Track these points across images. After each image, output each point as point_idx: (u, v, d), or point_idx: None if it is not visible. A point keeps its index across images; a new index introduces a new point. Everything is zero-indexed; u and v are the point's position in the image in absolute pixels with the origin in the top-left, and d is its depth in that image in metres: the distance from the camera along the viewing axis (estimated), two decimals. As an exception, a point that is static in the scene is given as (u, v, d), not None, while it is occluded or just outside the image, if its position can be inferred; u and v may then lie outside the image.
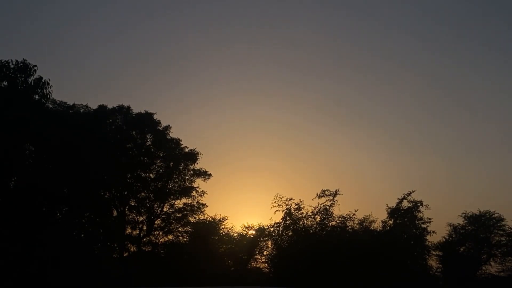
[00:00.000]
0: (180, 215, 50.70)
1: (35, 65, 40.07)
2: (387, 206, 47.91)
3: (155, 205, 50.34)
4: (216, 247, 49.94)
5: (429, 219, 47.54)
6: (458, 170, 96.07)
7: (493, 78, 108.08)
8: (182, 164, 51.03)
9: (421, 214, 47.37)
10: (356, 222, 47.60)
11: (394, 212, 47.60)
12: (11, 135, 37.66)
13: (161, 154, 50.84)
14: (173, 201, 50.79)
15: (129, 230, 49.69)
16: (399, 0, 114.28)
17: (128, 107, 50.52)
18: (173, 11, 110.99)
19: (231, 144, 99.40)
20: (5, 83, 39.72)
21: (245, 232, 50.24)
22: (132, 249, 49.73)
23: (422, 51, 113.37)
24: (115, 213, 49.07)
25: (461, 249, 52.20)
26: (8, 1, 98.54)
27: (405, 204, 47.64)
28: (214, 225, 50.48)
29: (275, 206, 46.22)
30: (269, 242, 48.53)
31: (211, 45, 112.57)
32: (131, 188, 49.80)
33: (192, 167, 51.26)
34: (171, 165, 50.64)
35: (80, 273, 38.10)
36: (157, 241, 50.34)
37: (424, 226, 47.41)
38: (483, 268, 51.23)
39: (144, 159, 50.38)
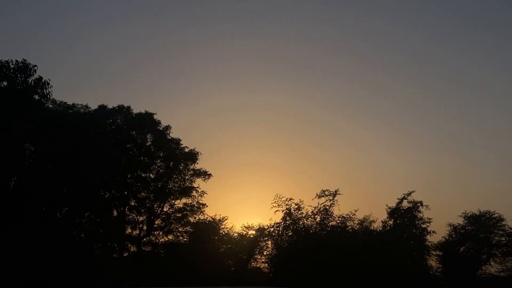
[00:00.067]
0: (180, 215, 50.74)
1: (35, 65, 40.19)
2: (387, 206, 48.00)
3: (155, 205, 50.38)
4: (216, 247, 49.93)
5: (429, 219, 47.65)
6: (458, 170, 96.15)
7: (494, 78, 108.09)
8: (182, 164, 51.09)
9: (421, 214, 47.45)
10: (356, 222, 47.70)
11: (394, 212, 47.61)
12: (11, 135, 37.67)
13: (161, 154, 50.89)
14: (173, 201, 50.89)
15: (129, 230, 49.76)
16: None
17: (128, 107, 50.63)
18: (173, 11, 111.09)
19: (231, 144, 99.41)
20: (5, 83, 39.75)
21: (245, 232, 50.24)
22: (132, 249, 49.78)
23: (422, 50, 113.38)
24: (115, 213, 49.12)
25: (461, 249, 52.19)
26: (8, 1, 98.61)
27: (405, 204, 47.69)
28: (214, 225, 50.47)
29: (275, 206, 46.31)
30: (269, 242, 48.54)
31: (212, 45, 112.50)
32: (131, 188, 49.83)
33: (192, 167, 51.36)
34: (171, 165, 50.69)
35: (80, 273, 38.08)
36: (157, 241, 50.38)
37: (424, 226, 47.47)
38: (483, 268, 51.22)
39: (144, 159, 50.42)
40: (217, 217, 50.79)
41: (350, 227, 47.23)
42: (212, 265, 46.16)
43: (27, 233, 36.74)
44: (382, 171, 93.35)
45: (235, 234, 50.70)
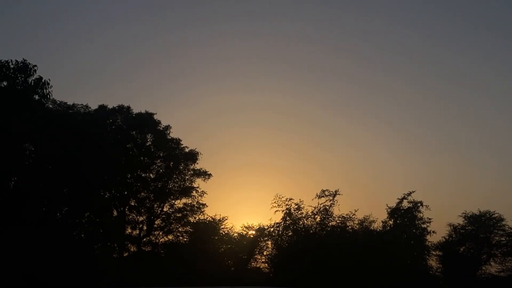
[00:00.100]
0: (180, 215, 50.75)
1: (35, 65, 40.18)
2: (387, 206, 48.02)
3: (155, 205, 50.39)
4: (216, 247, 49.93)
5: (429, 219, 47.67)
6: (458, 170, 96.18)
7: (494, 78, 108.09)
8: (182, 164, 51.09)
9: (421, 214, 47.46)
10: (356, 222, 47.72)
11: (394, 212, 47.62)
12: (11, 135, 37.67)
13: (161, 154, 50.90)
14: (173, 201, 50.90)
15: (129, 230, 49.77)
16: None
17: (128, 107, 50.63)
18: (173, 11, 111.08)
19: (231, 144, 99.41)
20: (5, 83, 39.75)
21: (245, 232, 50.24)
22: (132, 249, 49.79)
23: (422, 50, 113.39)
24: (115, 213, 49.13)
25: (461, 249, 52.19)
26: (8, 1, 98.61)
27: (405, 204, 47.70)
28: (214, 225, 50.47)
29: (275, 206, 46.35)
30: (269, 242, 48.55)
31: (212, 45, 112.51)
32: (131, 188, 49.84)
33: (192, 167, 51.37)
34: (171, 165, 50.70)
35: (80, 273, 38.08)
36: (157, 241, 50.39)
37: (424, 226, 47.47)
38: (483, 268, 51.22)
39: (144, 159, 50.43)
40: (217, 217, 50.85)
41: (350, 227, 47.25)
42: (212, 265, 46.16)
43: (27, 233, 36.73)
44: (382, 171, 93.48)
45: (235, 234, 50.72)
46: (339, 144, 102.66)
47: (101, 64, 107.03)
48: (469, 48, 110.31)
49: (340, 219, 46.67)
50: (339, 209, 46.65)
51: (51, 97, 41.68)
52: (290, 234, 46.89)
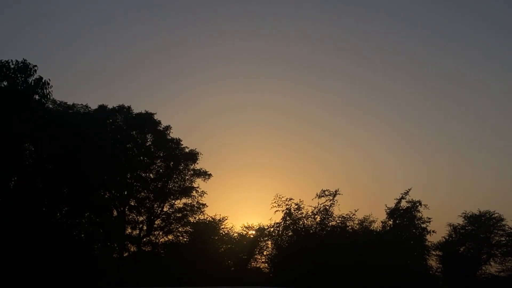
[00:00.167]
0: (180, 215, 50.75)
1: (35, 65, 40.19)
2: (386, 206, 47.93)
3: (155, 205, 50.39)
4: (216, 247, 49.94)
5: (429, 218, 47.56)
6: (458, 170, 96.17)
7: (494, 78, 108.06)
8: (182, 164, 51.09)
9: (420, 214, 47.42)
10: (356, 222, 47.68)
11: (393, 213, 47.57)
12: (11, 135, 37.67)
13: (161, 154, 50.91)
14: (173, 201, 50.89)
15: (129, 230, 49.76)
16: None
17: (128, 107, 50.63)
18: (173, 11, 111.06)
19: (231, 144, 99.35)
20: (5, 83, 39.75)
21: (245, 232, 50.25)
22: (132, 249, 49.79)
23: (422, 50, 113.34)
24: (115, 213, 49.12)
25: (461, 249, 52.20)
26: (8, 1, 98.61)
27: (404, 204, 47.64)
28: (214, 225, 50.47)
29: (275, 206, 46.30)
30: (269, 242, 48.55)
31: (212, 45, 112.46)
32: (131, 188, 49.84)
33: (192, 167, 51.38)
34: (171, 165, 50.70)
35: (80, 273, 38.08)
36: (157, 241, 50.39)
37: (424, 225, 47.43)
38: (483, 268, 51.23)
39: (144, 159, 50.44)
40: (217, 217, 50.84)
41: (350, 227, 47.23)
42: (212, 265, 46.16)
43: (27, 233, 36.75)
44: (382, 171, 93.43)
45: (235, 234, 50.72)
46: (339, 144, 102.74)
47: (101, 64, 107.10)
48: (469, 48, 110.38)
49: (340, 219, 46.66)
50: (339, 209, 46.71)
51: (51, 97, 41.74)
52: (290, 234, 46.88)
